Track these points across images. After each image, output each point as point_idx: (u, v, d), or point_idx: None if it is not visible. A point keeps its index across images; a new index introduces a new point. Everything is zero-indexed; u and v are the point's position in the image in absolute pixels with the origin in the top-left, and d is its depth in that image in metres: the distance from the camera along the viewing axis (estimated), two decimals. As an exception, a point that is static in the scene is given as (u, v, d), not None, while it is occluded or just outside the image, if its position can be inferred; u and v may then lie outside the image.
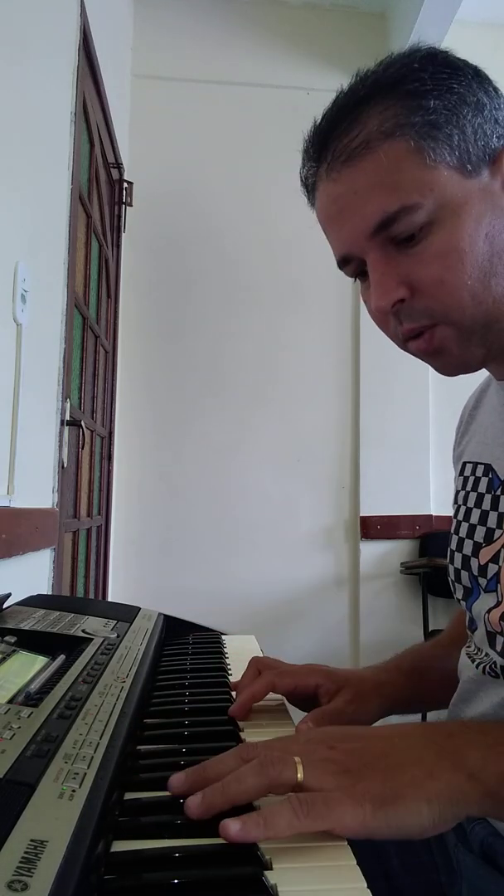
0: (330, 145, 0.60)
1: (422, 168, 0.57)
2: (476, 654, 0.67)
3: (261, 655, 0.78)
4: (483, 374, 0.76)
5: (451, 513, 0.75)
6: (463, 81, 0.58)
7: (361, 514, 2.80)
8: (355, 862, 0.40)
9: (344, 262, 0.64)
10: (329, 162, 0.60)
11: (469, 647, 0.70)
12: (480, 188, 0.58)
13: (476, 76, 0.60)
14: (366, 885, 0.38)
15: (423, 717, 1.68)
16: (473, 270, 0.57)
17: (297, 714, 0.70)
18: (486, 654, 0.65)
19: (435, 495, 2.82)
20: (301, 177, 0.65)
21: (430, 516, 2.81)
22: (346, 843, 0.42)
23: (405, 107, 0.57)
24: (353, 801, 0.43)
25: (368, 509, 2.80)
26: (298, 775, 0.45)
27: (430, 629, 2.62)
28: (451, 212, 0.57)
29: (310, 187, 0.65)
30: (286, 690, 0.71)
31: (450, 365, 0.63)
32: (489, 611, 0.64)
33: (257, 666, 0.73)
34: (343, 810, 0.42)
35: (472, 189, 0.57)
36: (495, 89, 0.61)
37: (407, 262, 0.59)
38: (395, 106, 0.57)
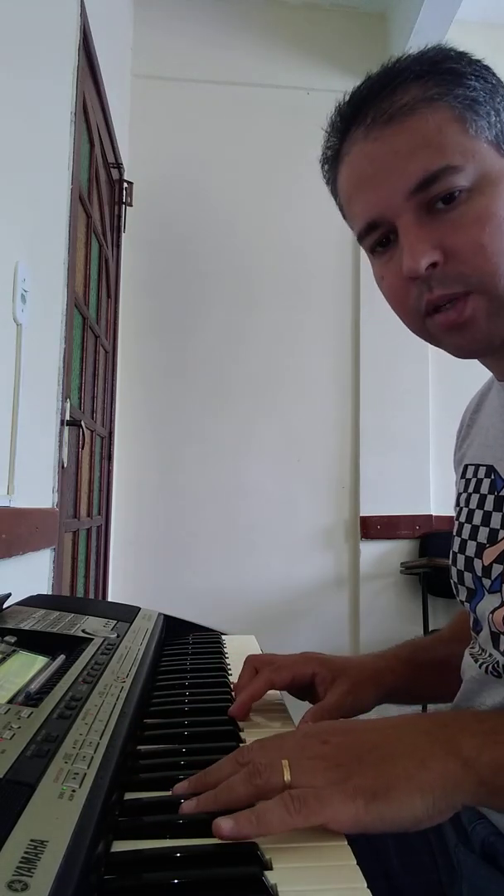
0: (369, 109, 0.60)
1: (464, 136, 0.58)
2: (480, 654, 0.67)
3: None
4: (484, 378, 0.76)
5: (451, 512, 0.75)
6: (494, 77, 0.61)
7: (361, 514, 2.80)
8: (355, 862, 0.40)
9: (368, 230, 0.62)
10: (368, 123, 0.60)
11: (473, 647, 0.70)
12: None
13: (500, 80, 0.62)
14: (366, 885, 0.38)
15: (424, 710, 1.68)
16: None
17: (295, 710, 0.71)
18: (490, 655, 0.65)
19: (435, 495, 2.82)
20: (324, 150, 0.65)
21: (430, 516, 2.81)
22: (346, 843, 0.42)
23: (446, 80, 0.59)
24: (344, 797, 0.43)
25: (368, 509, 2.80)
26: (286, 777, 0.45)
27: (430, 629, 2.62)
28: (491, 183, 0.58)
29: (334, 158, 0.65)
30: (285, 684, 0.71)
31: (473, 340, 0.61)
32: (493, 611, 0.64)
33: (253, 664, 0.74)
34: (335, 806, 0.43)
35: None
36: None
37: (442, 227, 0.58)
38: (436, 78, 0.59)
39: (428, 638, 0.86)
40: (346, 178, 0.63)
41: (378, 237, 0.62)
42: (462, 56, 0.61)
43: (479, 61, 0.62)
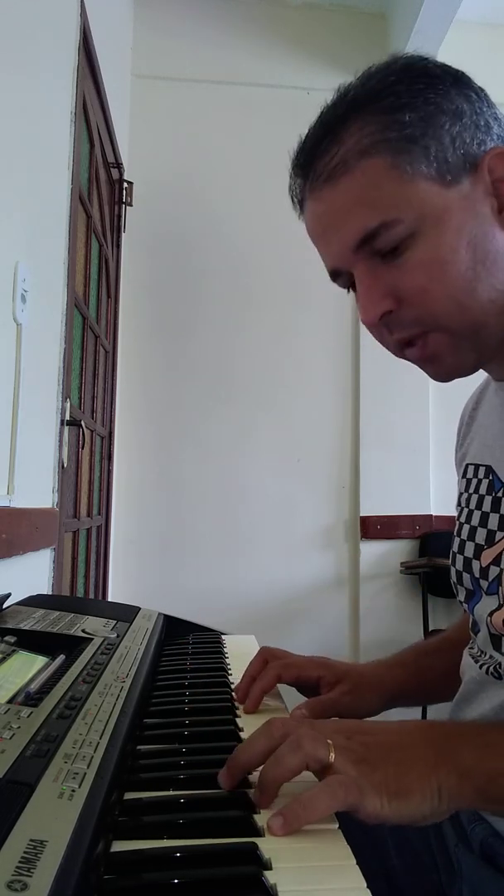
0: (312, 164, 0.61)
1: (400, 183, 0.57)
2: (479, 655, 0.67)
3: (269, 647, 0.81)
4: (482, 375, 0.76)
5: (451, 512, 0.76)
6: (440, 90, 0.59)
7: (361, 514, 2.80)
8: (355, 862, 0.41)
9: (335, 276, 0.65)
10: (312, 181, 0.61)
11: (472, 648, 0.70)
12: (461, 197, 0.58)
13: (456, 83, 0.60)
14: (366, 885, 0.38)
15: (423, 712, 1.73)
16: (457, 279, 0.58)
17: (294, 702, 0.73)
18: (490, 656, 0.65)
19: (435, 495, 2.82)
20: (290, 191, 0.66)
21: (430, 516, 2.81)
22: (346, 843, 0.43)
23: (381, 122, 0.58)
24: (371, 789, 0.47)
25: (368, 509, 2.80)
26: (331, 756, 0.47)
27: (430, 629, 2.62)
28: (432, 223, 0.57)
29: (297, 202, 0.66)
30: (290, 680, 0.76)
31: (443, 371, 0.64)
32: (491, 613, 0.64)
33: (265, 656, 0.77)
34: (368, 799, 0.46)
35: (452, 198, 0.58)
36: (477, 92, 0.60)
37: (391, 273, 0.59)
38: (372, 123, 0.58)
39: (434, 640, 0.87)
40: (307, 227, 0.65)
41: (345, 282, 0.65)
42: (403, 78, 0.59)
43: (423, 77, 0.59)
